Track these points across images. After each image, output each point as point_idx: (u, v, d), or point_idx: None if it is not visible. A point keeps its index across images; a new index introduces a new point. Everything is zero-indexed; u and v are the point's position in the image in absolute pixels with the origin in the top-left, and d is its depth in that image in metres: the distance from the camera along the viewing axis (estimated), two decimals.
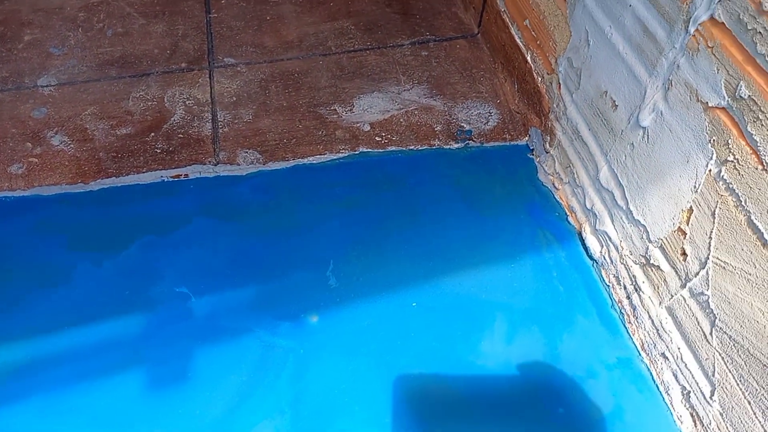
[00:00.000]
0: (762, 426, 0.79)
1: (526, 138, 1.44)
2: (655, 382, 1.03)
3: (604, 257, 1.13)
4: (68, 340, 1.03)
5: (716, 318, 0.85)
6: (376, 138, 1.38)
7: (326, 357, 1.05)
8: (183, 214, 1.21)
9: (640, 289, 1.03)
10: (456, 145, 1.43)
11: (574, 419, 0.99)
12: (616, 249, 1.09)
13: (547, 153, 1.33)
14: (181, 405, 0.97)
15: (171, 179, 1.27)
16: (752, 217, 0.76)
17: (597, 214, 1.14)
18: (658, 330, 0.99)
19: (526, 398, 1.01)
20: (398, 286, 1.15)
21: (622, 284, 1.08)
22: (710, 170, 0.82)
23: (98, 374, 0.99)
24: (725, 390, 0.85)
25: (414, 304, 1.13)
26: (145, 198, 1.24)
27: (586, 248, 1.21)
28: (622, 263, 1.08)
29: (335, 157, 1.35)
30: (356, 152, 1.36)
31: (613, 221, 1.10)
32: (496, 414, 1.00)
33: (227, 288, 1.12)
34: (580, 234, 1.22)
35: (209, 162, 1.29)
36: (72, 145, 1.29)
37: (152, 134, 1.32)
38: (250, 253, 1.17)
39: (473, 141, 1.43)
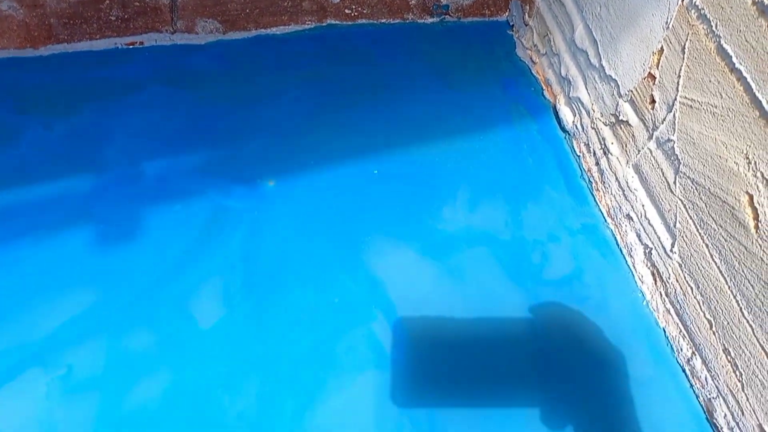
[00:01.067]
0: (718, 268, 0.76)
1: (506, 13, 1.36)
2: (618, 245, 1.00)
3: (576, 127, 1.08)
4: (15, 196, 1.00)
5: (680, 163, 0.80)
6: (346, 10, 1.30)
7: (281, 220, 1.02)
8: (137, 81, 1.16)
9: (609, 152, 0.98)
10: (431, 20, 1.35)
11: (530, 280, 0.97)
12: (588, 114, 1.04)
13: (526, 26, 1.25)
14: (129, 260, 0.95)
15: (125, 47, 1.21)
16: (722, 42, 0.70)
17: (571, 80, 1.08)
18: (624, 191, 0.95)
19: (482, 263, 0.99)
20: (360, 155, 1.11)
21: (591, 150, 1.04)
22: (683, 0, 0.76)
23: (46, 228, 0.97)
24: (685, 238, 0.82)
25: (376, 172, 1.09)
26: (98, 65, 1.18)
27: (559, 120, 1.15)
28: (592, 128, 1.03)
29: (301, 29, 1.28)
30: (323, 24, 1.29)
31: (586, 85, 1.04)
32: (450, 275, 0.97)
33: (180, 152, 1.08)
34: (554, 107, 1.17)
35: (166, 30, 1.23)
36: (21, 11, 1.22)
37: (107, 1, 1.25)
38: (206, 120, 1.12)
39: (450, 16, 1.35)
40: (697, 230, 0.78)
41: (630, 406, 0.86)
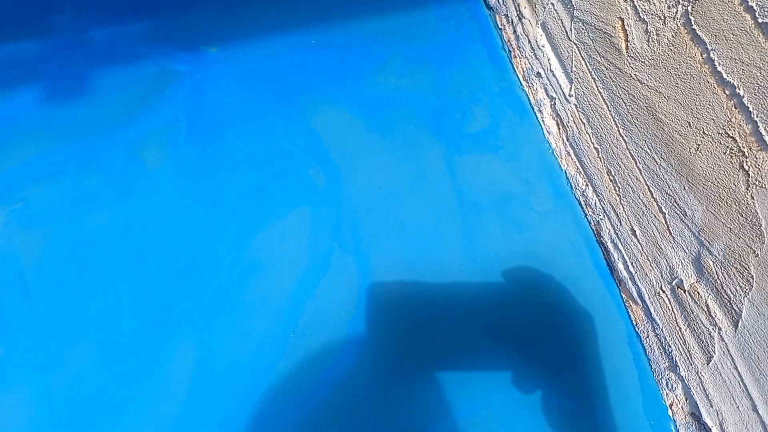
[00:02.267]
0: (602, 96, 0.88)
1: None
2: (531, 104, 1.11)
3: (498, 1, 1.17)
4: None
5: (574, 8, 0.91)
6: None
7: (223, 82, 1.09)
8: None
9: (523, 16, 1.08)
10: None
11: (451, 133, 1.07)
12: None
13: None
14: (79, 114, 1.02)
15: None
16: None
17: None
18: (534, 51, 1.06)
19: (408, 120, 1.08)
20: (298, 25, 1.18)
21: (510, 21, 1.13)
22: None
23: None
24: (579, 79, 0.93)
25: (313, 41, 1.16)
26: None
27: (485, 0, 1.24)
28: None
29: None
30: None
31: None
32: (379, 130, 1.07)
33: (127, 21, 1.13)
34: None
35: None
36: None
37: None
38: None
39: None
40: (587, 67, 0.90)
41: (533, 233, 0.99)
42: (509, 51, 1.16)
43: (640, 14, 0.75)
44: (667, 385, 0.84)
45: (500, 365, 0.86)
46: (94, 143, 0.99)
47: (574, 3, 0.90)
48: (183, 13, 1.15)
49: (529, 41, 1.07)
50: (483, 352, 0.87)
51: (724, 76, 0.63)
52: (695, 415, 0.80)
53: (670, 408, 0.85)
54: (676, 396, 0.83)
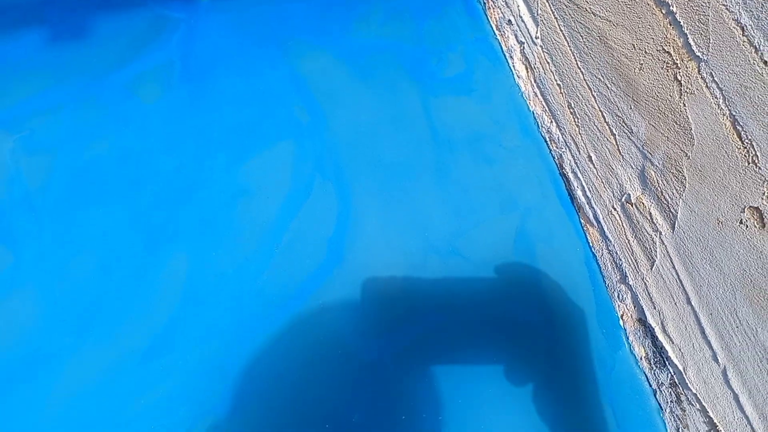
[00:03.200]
0: (563, 34, 0.95)
1: None
2: (502, 51, 1.19)
3: None
4: None
5: None
6: None
7: (215, 28, 1.17)
8: None
9: None
10: None
11: (428, 78, 1.15)
12: None
13: None
14: (79, 54, 1.09)
15: None
16: None
17: None
18: (506, 0, 1.13)
19: (388, 65, 1.16)
20: None
21: None
22: None
23: (2, 29, 1.10)
24: (543, 21, 1.01)
25: None
26: None
27: None
28: None
29: None
30: None
31: None
32: (361, 74, 1.14)
33: None
34: None
35: None
36: None
37: None
38: None
39: None
40: (551, 8, 0.98)
41: (502, 167, 1.07)
42: (484, 3, 1.24)
43: None
44: (618, 296, 0.93)
45: (465, 283, 0.94)
46: (94, 81, 1.06)
47: None
48: None
49: None
50: (451, 269, 0.95)
51: None
52: (641, 320, 0.88)
53: (621, 318, 0.93)
54: (626, 306, 0.91)
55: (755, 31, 0.58)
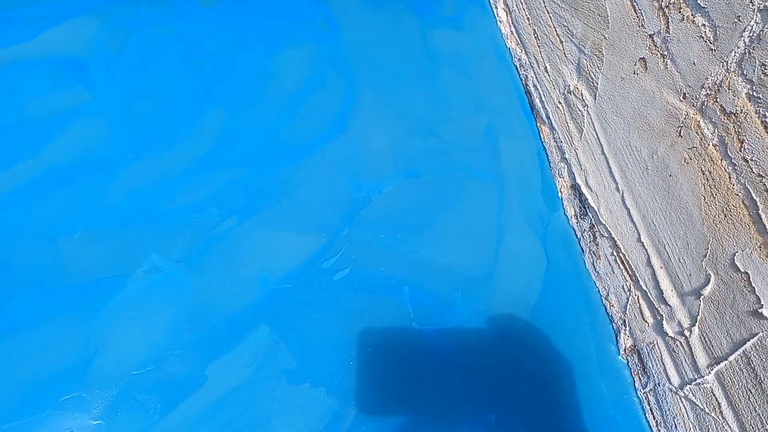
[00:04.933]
0: (542, 1, 1.25)
1: None
2: (489, 3, 1.49)
3: None
4: None
5: None
6: None
7: None
8: None
9: None
10: None
11: (426, 15, 1.44)
12: None
13: None
14: None
15: None
16: None
17: None
18: None
19: (394, 3, 1.45)
20: None
21: None
22: None
23: None
24: None
25: None
26: None
27: None
28: None
29: None
30: None
31: None
32: (373, 7, 1.44)
33: None
34: None
35: None
36: None
37: None
38: None
39: None
40: None
41: (479, 82, 1.34)
42: None
43: None
44: (558, 173, 1.19)
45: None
46: None
47: None
48: None
49: None
50: (429, 145, 1.22)
51: None
52: (573, 186, 1.14)
53: (560, 190, 1.19)
54: (563, 179, 1.18)
55: None
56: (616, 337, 1.00)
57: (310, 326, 0.94)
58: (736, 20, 0.72)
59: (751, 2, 0.70)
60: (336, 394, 0.88)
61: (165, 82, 1.19)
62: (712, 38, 0.76)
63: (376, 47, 1.34)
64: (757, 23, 0.69)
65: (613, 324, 1.01)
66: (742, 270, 0.73)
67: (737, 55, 0.72)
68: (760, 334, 0.71)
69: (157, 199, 1.03)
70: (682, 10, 0.81)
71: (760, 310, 0.71)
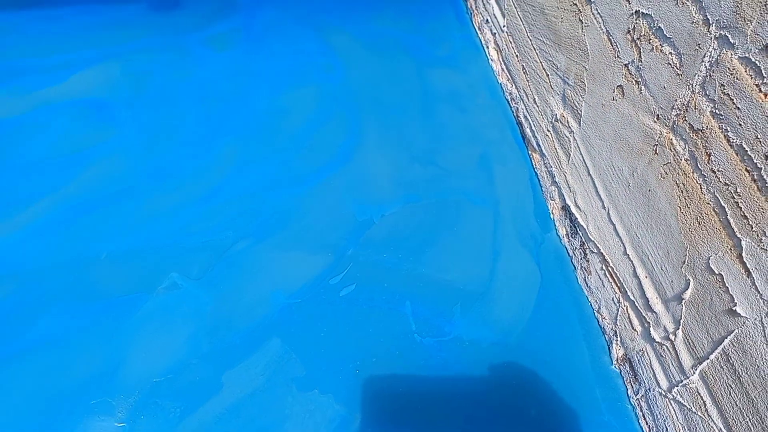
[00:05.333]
0: (522, 20, 1.37)
1: None
2: (481, 44, 1.61)
3: None
4: None
5: None
6: None
7: (270, 10, 1.60)
8: None
9: None
10: None
11: (421, 58, 1.56)
12: None
13: None
14: (170, 20, 1.52)
15: None
16: None
17: None
18: (485, 6, 1.57)
19: (393, 46, 1.57)
20: None
21: None
22: None
23: None
24: (509, 14, 1.43)
25: None
26: None
27: None
28: None
29: None
30: None
31: None
32: (371, 50, 1.56)
33: None
34: None
35: None
36: None
37: None
38: None
39: None
40: (513, 3, 1.40)
41: (473, 116, 1.45)
42: (471, 13, 1.67)
43: None
44: (550, 197, 1.27)
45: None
46: (180, 36, 1.48)
47: None
48: None
49: (483, 1, 1.58)
50: (428, 173, 1.31)
51: None
52: (564, 207, 1.22)
53: (552, 212, 1.27)
54: (554, 202, 1.26)
55: None
56: (609, 348, 1.06)
57: (319, 338, 1.00)
58: (697, 47, 0.82)
59: (708, 31, 0.80)
60: (343, 401, 0.94)
61: (182, 119, 1.29)
62: (678, 64, 0.85)
63: (377, 85, 1.44)
64: (714, 49, 0.79)
65: (605, 335, 1.07)
66: (717, 272, 0.80)
67: (700, 78, 0.81)
68: (736, 330, 0.78)
69: (176, 223, 1.11)
70: (651, 41, 0.90)
71: (734, 308, 0.77)
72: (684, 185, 0.84)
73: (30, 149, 1.18)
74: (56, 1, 1.47)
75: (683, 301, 0.86)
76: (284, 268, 1.08)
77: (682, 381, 0.87)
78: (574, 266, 1.17)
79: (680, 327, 0.87)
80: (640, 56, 0.92)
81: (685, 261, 0.85)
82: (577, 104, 1.12)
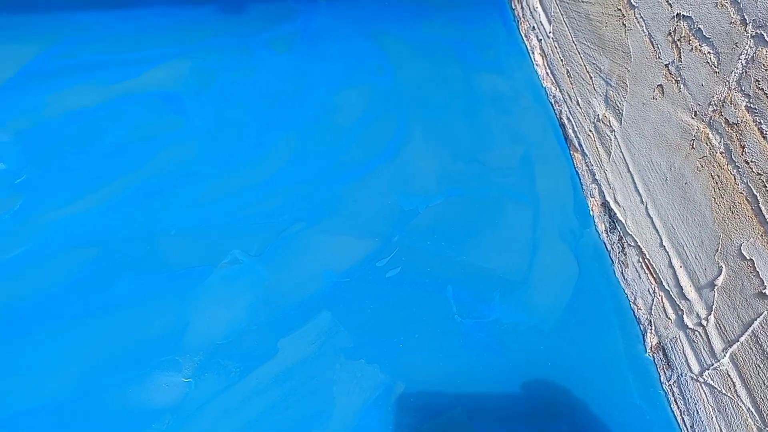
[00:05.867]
0: (568, 27, 1.43)
1: None
2: (527, 49, 1.68)
3: None
4: None
5: None
6: None
7: (326, 17, 1.71)
8: None
9: None
10: None
11: (468, 63, 1.64)
12: None
13: None
14: (237, 20, 1.64)
15: None
16: None
17: None
18: (532, 14, 1.63)
19: (441, 51, 1.66)
20: None
21: (520, 1, 1.73)
22: None
23: None
24: (555, 20, 1.49)
25: (386, 2, 1.78)
26: None
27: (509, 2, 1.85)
28: None
29: None
30: None
31: None
32: (421, 54, 1.65)
33: None
34: None
35: None
36: None
37: None
38: None
39: None
40: (559, 9, 1.46)
41: (517, 117, 1.51)
42: (517, 21, 1.74)
43: None
44: (590, 194, 1.32)
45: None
46: (245, 38, 1.60)
47: None
48: None
49: (530, 9, 1.65)
50: (471, 168, 1.38)
51: None
52: (603, 204, 1.27)
53: (591, 209, 1.32)
54: (594, 199, 1.31)
55: None
56: (643, 337, 1.10)
57: (365, 314, 1.08)
58: (734, 46, 0.87)
59: (745, 31, 0.85)
60: (387, 371, 1.01)
61: (244, 112, 1.40)
62: (716, 63, 0.90)
63: (425, 88, 1.53)
64: (751, 47, 0.84)
65: (640, 325, 1.11)
66: (748, 258, 0.84)
67: (736, 75, 0.86)
68: (765, 312, 0.82)
69: (238, 205, 1.21)
70: (691, 41, 0.96)
71: (764, 291, 0.81)
72: (719, 177, 0.89)
73: (110, 135, 1.30)
74: (134, 2, 1.61)
75: (715, 287, 0.90)
76: (334, 250, 1.16)
77: (713, 364, 0.91)
78: (611, 260, 1.21)
79: (712, 312, 0.91)
80: (680, 56, 0.97)
81: (718, 249, 0.90)
82: (618, 104, 1.17)
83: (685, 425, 0.99)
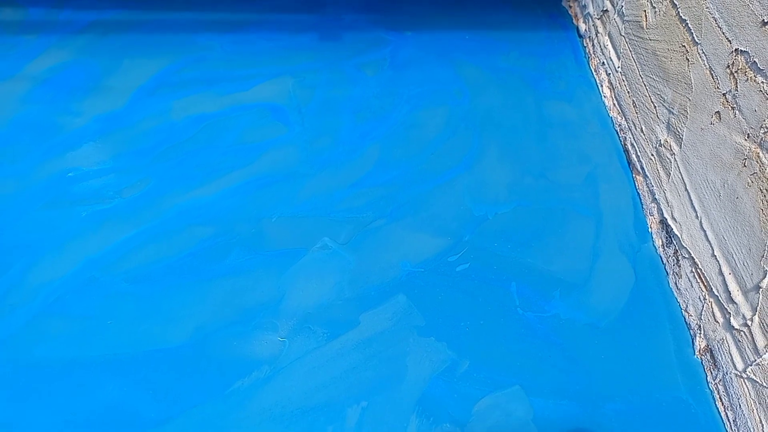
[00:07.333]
0: (635, 62, 1.57)
1: None
2: (596, 83, 1.82)
3: (587, 32, 1.93)
4: None
5: (624, 16, 1.64)
6: None
7: (412, 47, 1.91)
8: None
9: (598, 32, 1.83)
10: None
11: (541, 93, 1.79)
12: (592, 19, 1.89)
13: None
14: (333, 48, 1.87)
15: None
16: None
17: (584, 2, 1.95)
18: (602, 50, 1.78)
19: (516, 81, 1.82)
20: (458, 27, 2.00)
21: (590, 38, 1.88)
22: None
23: None
24: (623, 56, 1.64)
25: (467, 37, 1.97)
26: None
27: (577, 29, 2.00)
28: (592, 25, 1.87)
29: None
30: None
31: (592, 2, 1.90)
32: (497, 82, 1.82)
33: (363, 12, 2.02)
34: (576, 27, 2.02)
35: None
36: None
37: None
38: None
39: None
40: (628, 46, 1.61)
41: (584, 142, 1.65)
42: (588, 57, 1.89)
43: (653, 3, 1.47)
44: (649, 213, 1.43)
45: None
46: (340, 61, 1.81)
47: (624, 12, 1.63)
48: (395, 10, 2.02)
49: (600, 46, 1.80)
50: (539, 185, 1.51)
51: (682, 16, 1.32)
52: (661, 221, 1.38)
53: (650, 227, 1.43)
54: (653, 217, 1.42)
55: (722, 22, 1.17)
56: (693, 341, 1.19)
57: (437, 300, 1.23)
58: None
59: None
60: (454, 348, 1.15)
61: (338, 124, 1.60)
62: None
63: (499, 112, 1.69)
64: None
65: (690, 330, 1.21)
66: None
67: None
68: None
69: (330, 201, 1.40)
70: (746, 72, 1.08)
71: None
72: (767, 190, 1.00)
73: (225, 137, 1.53)
74: (247, 29, 1.87)
75: (761, 289, 1.00)
76: (411, 244, 1.32)
77: (755, 360, 1.00)
78: (666, 272, 1.31)
79: (756, 312, 1.00)
80: (736, 86, 1.10)
81: (764, 255, 1.00)
82: (679, 130, 1.29)
83: (728, 419, 1.07)
